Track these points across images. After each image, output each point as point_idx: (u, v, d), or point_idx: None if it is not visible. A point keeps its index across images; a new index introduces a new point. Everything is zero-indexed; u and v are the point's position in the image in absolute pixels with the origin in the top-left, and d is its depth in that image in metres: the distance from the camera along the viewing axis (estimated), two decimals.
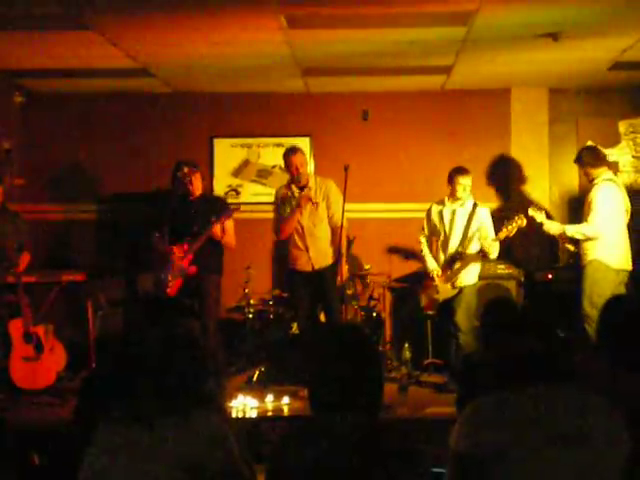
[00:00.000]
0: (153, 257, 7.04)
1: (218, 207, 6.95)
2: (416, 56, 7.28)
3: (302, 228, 6.97)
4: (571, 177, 8.34)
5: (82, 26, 6.11)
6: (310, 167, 8.69)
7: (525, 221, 6.91)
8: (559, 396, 2.68)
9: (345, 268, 7.04)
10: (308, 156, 8.71)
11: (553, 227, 7.12)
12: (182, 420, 2.71)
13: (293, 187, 7.05)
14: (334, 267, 7.02)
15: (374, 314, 7.73)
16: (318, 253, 6.97)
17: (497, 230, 7.03)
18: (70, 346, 7.30)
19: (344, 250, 7.00)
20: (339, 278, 6.97)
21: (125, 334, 3.52)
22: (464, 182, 7.07)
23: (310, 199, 6.94)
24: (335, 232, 6.97)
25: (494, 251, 7.01)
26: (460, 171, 7.10)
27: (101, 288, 8.16)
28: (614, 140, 8.51)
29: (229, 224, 6.96)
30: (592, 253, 6.89)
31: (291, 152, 7.01)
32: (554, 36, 6.44)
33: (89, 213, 8.76)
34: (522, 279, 7.99)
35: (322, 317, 7.29)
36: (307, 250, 6.92)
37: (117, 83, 8.31)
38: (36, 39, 6.59)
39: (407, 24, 6.20)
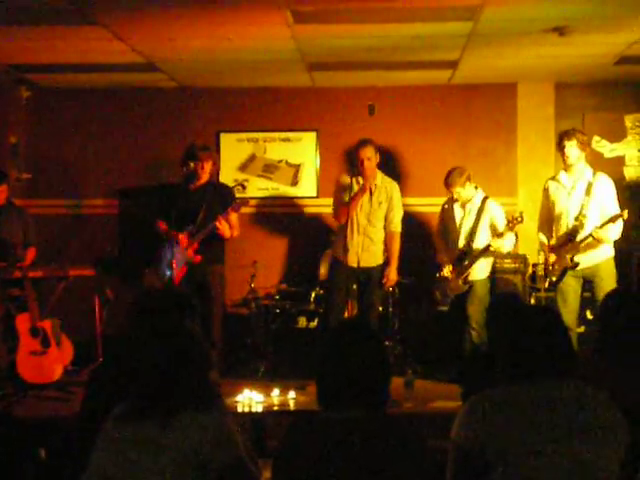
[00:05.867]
0: (159, 251, 7.07)
1: (225, 199, 6.98)
2: (422, 51, 7.27)
3: (357, 224, 6.94)
4: None
5: (89, 21, 6.12)
6: (316, 161, 8.71)
7: (524, 220, 6.87)
8: (561, 390, 2.68)
9: (394, 273, 7.06)
10: (314, 151, 8.72)
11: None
12: (189, 416, 2.72)
13: (360, 179, 6.94)
14: (382, 269, 7.04)
15: (381, 308, 7.72)
16: (366, 252, 6.97)
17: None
18: (77, 341, 7.32)
19: (396, 255, 7.04)
20: (385, 280, 7.02)
21: (130, 331, 3.51)
22: (458, 192, 7.11)
23: (371, 190, 6.93)
24: (391, 237, 7.05)
25: (504, 246, 7.04)
26: (449, 184, 7.11)
27: (108, 283, 8.17)
28: (620, 134, 8.53)
29: (233, 216, 6.99)
30: None
31: (360, 145, 6.93)
32: (560, 31, 6.43)
33: (96, 208, 8.77)
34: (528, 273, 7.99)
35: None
36: (356, 246, 6.89)
37: (123, 78, 8.31)
38: (42, 34, 6.60)
39: (413, 19, 6.20)
